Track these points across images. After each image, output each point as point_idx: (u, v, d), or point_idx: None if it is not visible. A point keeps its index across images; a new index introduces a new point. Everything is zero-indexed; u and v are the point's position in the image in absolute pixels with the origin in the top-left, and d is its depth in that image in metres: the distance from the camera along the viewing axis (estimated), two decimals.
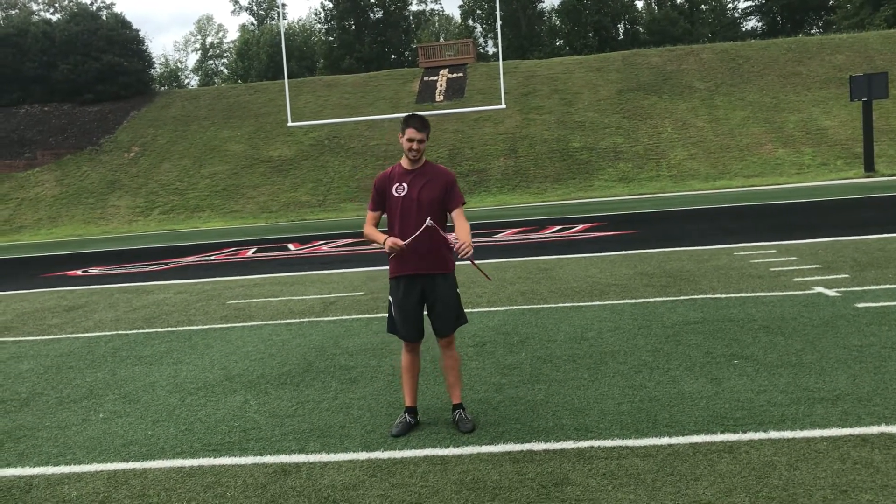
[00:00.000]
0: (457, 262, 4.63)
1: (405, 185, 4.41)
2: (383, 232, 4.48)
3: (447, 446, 4.16)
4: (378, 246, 4.41)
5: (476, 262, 4.28)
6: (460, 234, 4.29)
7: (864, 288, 7.65)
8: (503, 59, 34.62)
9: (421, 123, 4.41)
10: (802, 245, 11.10)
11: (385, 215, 4.59)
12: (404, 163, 4.49)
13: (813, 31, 60.93)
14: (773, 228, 13.84)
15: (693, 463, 3.70)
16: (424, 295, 4.44)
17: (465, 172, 35.48)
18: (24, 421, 5.19)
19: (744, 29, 65.03)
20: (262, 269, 13.67)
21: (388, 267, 4.53)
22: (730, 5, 65.18)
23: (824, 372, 5.00)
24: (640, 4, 61.89)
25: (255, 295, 10.29)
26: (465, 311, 4.69)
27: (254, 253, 17.35)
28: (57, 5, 64.32)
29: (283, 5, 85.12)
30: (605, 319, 7.08)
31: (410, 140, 4.36)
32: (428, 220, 4.30)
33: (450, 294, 4.47)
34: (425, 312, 4.55)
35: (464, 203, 4.51)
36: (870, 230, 12.17)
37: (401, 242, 4.29)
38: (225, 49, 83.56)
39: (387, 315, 4.63)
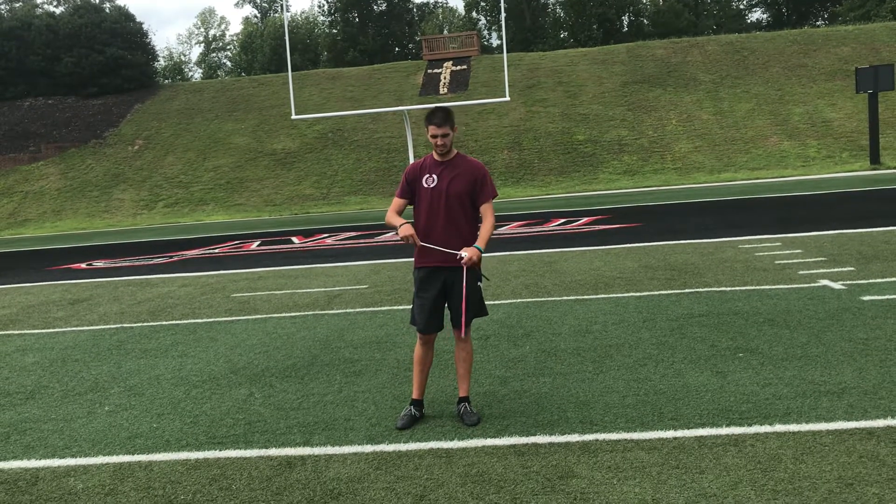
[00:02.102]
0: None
1: (435, 176, 4.41)
2: (410, 223, 4.47)
3: (452, 439, 4.16)
4: (393, 233, 4.39)
5: (474, 271, 4.31)
6: (483, 231, 4.41)
7: (870, 281, 7.63)
8: (507, 52, 34.52)
9: (442, 118, 4.36)
10: (807, 238, 11.07)
11: (410, 205, 4.57)
12: (435, 155, 4.47)
13: (818, 23, 60.61)
14: (778, 221, 13.80)
15: (698, 456, 3.69)
16: (445, 287, 4.40)
17: None
18: (30, 414, 5.21)
19: (749, 21, 64.85)
20: (266, 262, 13.68)
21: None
22: None
23: (830, 365, 4.98)
24: None
25: (260, 288, 10.30)
26: None
27: (258, 246, 17.36)
28: None
29: None
30: (610, 312, 7.07)
31: (434, 136, 4.36)
32: (465, 272, 4.31)
33: (472, 288, 4.43)
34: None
35: (495, 196, 4.50)
36: (875, 223, 12.13)
37: (416, 239, 4.30)
38: (228, 42, 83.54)
39: (411, 307, 4.64)
